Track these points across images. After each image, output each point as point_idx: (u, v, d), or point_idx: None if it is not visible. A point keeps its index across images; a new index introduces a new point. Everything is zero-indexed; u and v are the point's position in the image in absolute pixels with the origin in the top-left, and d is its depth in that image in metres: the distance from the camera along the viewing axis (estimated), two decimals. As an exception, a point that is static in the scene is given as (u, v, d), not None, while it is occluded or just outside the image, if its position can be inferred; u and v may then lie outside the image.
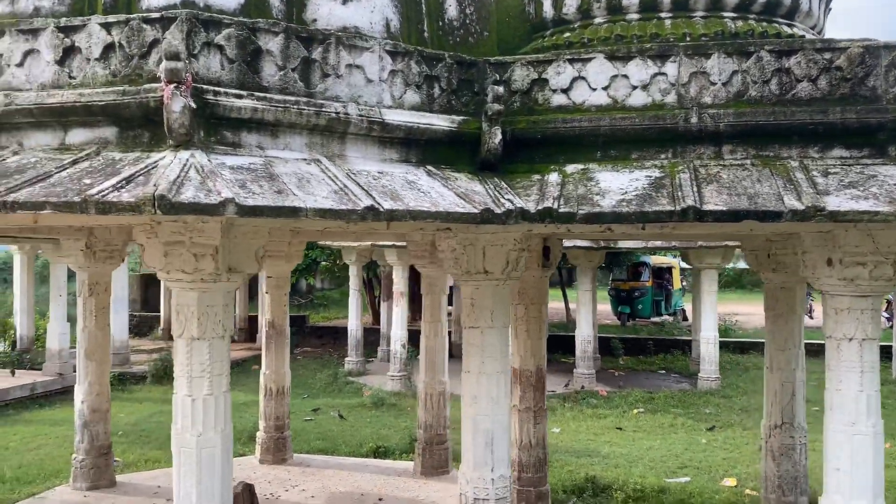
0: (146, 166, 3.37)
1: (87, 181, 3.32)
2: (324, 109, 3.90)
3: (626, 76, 4.26)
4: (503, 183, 4.35)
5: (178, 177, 3.22)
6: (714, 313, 14.07)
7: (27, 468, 8.74)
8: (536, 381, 6.83)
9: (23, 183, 3.33)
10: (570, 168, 4.43)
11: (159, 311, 22.20)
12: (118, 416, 11.96)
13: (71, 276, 14.49)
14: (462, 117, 4.43)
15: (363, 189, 3.71)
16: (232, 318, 3.91)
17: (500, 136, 4.38)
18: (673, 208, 3.73)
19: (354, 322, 16.07)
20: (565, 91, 4.37)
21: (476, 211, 3.82)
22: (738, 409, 12.50)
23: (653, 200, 3.85)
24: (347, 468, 8.56)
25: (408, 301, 19.40)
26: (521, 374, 6.82)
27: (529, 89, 4.41)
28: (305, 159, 3.92)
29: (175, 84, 3.35)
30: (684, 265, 30.81)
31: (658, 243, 13.40)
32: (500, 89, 4.34)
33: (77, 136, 3.82)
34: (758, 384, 14.53)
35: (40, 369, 14.94)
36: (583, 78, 4.33)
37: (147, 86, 3.50)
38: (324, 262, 22.24)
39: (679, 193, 3.82)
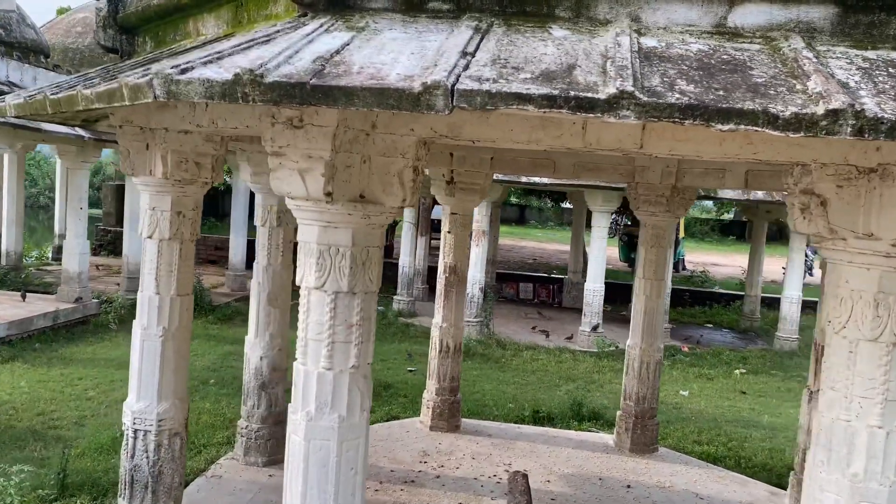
0: None
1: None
2: None
3: None
4: None
5: None
6: (800, 271, 13.56)
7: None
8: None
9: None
10: None
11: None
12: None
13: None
14: None
15: None
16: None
17: None
18: None
19: (407, 258, 14.64)
20: None
21: None
22: (838, 374, 12.09)
23: None
24: (534, 439, 7.42)
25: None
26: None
27: None
28: None
29: None
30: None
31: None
32: None
33: (750, 15, 2.38)
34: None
35: (49, 293, 12.80)
36: None
37: None
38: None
39: None
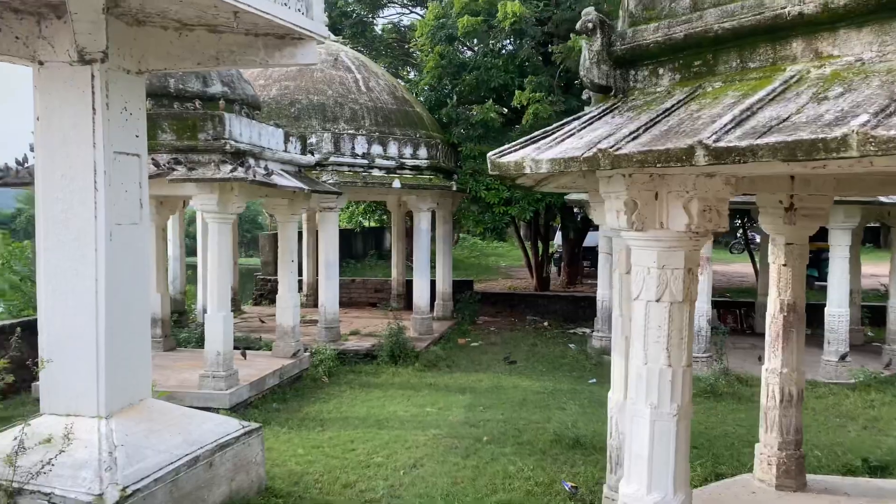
0: None
1: None
2: None
3: None
4: None
5: None
6: None
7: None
8: None
9: None
10: None
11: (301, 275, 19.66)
12: (438, 413, 9.79)
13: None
14: None
15: None
16: None
17: None
18: None
19: (607, 291, 13.91)
20: None
21: None
22: None
23: None
24: (900, 497, 6.49)
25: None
26: None
27: None
28: None
29: None
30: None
31: None
32: None
33: None
34: None
35: (251, 348, 12.65)
36: None
37: None
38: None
39: None
